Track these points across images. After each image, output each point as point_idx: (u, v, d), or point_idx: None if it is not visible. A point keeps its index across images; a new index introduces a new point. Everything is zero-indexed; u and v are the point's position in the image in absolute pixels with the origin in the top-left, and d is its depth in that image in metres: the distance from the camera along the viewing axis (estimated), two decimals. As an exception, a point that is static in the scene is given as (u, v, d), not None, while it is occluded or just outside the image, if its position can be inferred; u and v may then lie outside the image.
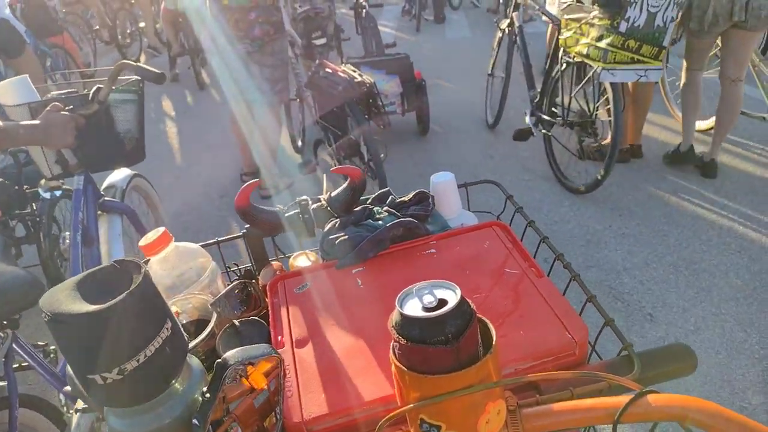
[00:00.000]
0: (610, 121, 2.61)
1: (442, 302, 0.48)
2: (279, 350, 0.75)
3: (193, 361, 0.67)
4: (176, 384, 0.61)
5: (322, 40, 3.19)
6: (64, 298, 0.45)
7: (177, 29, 5.56)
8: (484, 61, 4.40)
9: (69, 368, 0.55)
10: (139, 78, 1.77)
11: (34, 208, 2.15)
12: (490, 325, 0.52)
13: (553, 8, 3.93)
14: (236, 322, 0.82)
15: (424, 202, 0.95)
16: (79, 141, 1.59)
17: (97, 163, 1.84)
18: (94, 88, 1.71)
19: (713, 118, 3.10)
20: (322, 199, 0.96)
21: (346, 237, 0.88)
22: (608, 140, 2.72)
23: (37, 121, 1.48)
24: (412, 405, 0.50)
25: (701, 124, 3.46)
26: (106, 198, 1.95)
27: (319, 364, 0.71)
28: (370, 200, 0.99)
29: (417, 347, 0.47)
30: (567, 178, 3.05)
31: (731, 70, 2.81)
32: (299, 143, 3.74)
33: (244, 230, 1.01)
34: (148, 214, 2.45)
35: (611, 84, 2.49)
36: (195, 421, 0.58)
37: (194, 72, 5.58)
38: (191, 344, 0.77)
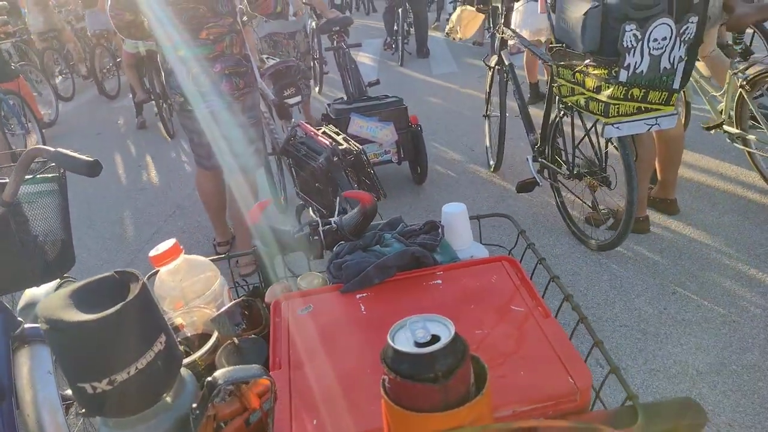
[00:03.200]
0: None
1: (435, 338, 0.47)
2: (275, 371, 0.74)
3: (187, 376, 0.67)
4: (167, 398, 0.61)
5: (296, 99, 2.80)
6: (59, 305, 0.46)
7: (140, 74, 5.08)
8: (476, 97, 3.98)
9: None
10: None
11: None
12: (485, 365, 0.50)
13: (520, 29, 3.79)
14: (236, 339, 0.82)
15: (433, 231, 0.94)
16: None
17: (7, 283, 1.34)
18: None
19: None
20: (332, 222, 0.96)
21: (354, 261, 0.88)
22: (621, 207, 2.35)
23: None
24: (398, 441, 0.49)
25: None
26: (25, 325, 1.38)
27: (313, 390, 0.70)
28: (380, 226, 0.99)
29: (405, 383, 0.46)
30: (585, 234, 2.66)
31: None
32: (281, 201, 3.40)
33: (254, 247, 1.02)
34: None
35: (618, 137, 2.18)
36: (182, 437, 0.57)
37: (161, 120, 4.97)
38: (189, 359, 0.77)
